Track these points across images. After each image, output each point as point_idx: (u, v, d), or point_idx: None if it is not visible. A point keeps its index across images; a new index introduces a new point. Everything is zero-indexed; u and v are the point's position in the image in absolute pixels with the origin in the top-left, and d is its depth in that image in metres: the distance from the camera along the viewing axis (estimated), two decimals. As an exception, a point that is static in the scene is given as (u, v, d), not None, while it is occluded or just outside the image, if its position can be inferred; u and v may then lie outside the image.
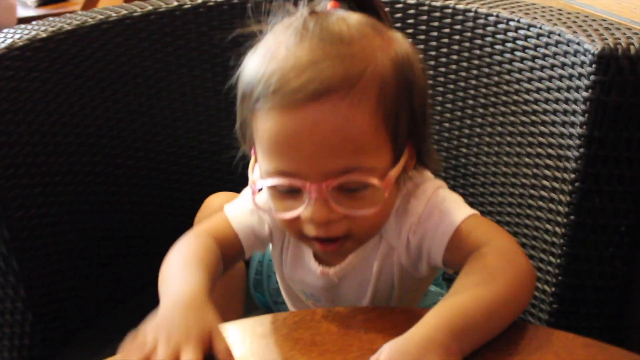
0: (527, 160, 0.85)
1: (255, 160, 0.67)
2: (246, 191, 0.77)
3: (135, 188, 0.97)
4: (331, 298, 0.77)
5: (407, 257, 0.72)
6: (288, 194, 0.64)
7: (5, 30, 0.87)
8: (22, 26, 0.90)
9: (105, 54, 0.93)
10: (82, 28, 0.90)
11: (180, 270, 0.66)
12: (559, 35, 0.78)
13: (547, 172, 0.82)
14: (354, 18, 0.64)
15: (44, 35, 0.86)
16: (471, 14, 0.90)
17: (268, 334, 0.62)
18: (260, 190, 0.68)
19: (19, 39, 0.83)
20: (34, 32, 0.86)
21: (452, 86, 0.94)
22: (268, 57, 0.62)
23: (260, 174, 0.66)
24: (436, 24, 0.93)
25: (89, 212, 0.93)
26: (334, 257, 0.74)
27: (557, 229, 0.81)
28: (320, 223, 0.62)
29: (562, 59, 0.77)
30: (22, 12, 1.46)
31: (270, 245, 0.81)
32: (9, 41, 0.82)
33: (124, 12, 0.94)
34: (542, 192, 0.83)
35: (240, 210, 0.77)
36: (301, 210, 0.62)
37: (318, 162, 0.60)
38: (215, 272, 0.69)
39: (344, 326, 0.61)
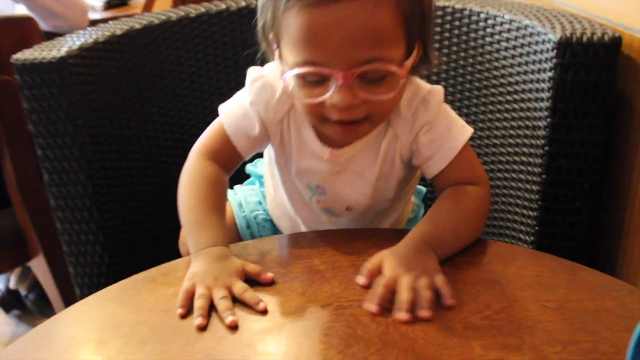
0: (506, 127, 1.01)
1: (280, 56, 0.73)
2: (239, 94, 0.84)
3: (185, 144, 1.15)
4: (335, 189, 0.84)
5: (407, 150, 0.81)
6: (314, 83, 0.70)
7: (89, 28, 1.04)
8: (101, 25, 1.06)
9: (167, 49, 1.08)
10: (149, 27, 1.05)
11: (200, 221, 0.74)
12: (532, 28, 0.94)
13: (523, 139, 0.97)
14: None
15: (119, 32, 1.03)
16: (466, 12, 1.07)
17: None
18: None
19: (100, 35, 1.00)
20: (111, 30, 1.03)
21: (445, 68, 1.11)
22: None
23: (288, 66, 0.71)
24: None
25: (153, 174, 1.09)
26: (341, 140, 0.80)
27: (533, 187, 0.95)
28: (344, 108, 0.69)
29: (533, 46, 0.93)
30: (91, 15, 1.61)
31: (270, 154, 0.87)
32: (93, 36, 0.99)
33: (182, 13, 1.10)
34: (519, 156, 0.98)
35: (233, 115, 0.82)
36: (327, 96, 0.69)
37: (345, 53, 0.66)
38: (224, 210, 0.79)
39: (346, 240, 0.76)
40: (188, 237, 0.74)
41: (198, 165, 0.81)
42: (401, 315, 0.62)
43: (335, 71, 0.67)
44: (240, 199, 1.00)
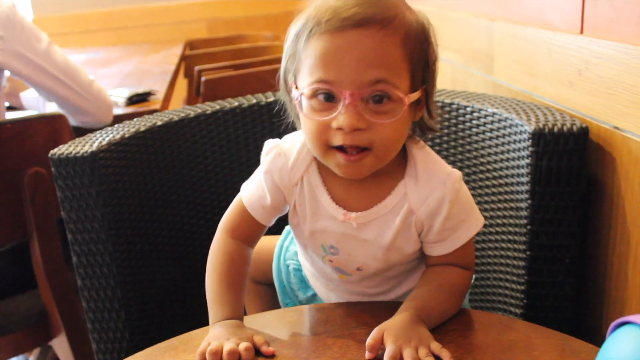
0: (493, 209, 1.11)
1: (297, 88, 0.80)
2: (257, 172, 0.90)
3: (201, 229, 1.25)
4: (347, 250, 0.87)
5: (421, 224, 0.84)
6: (324, 105, 0.77)
7: (116, 125, 1.16)
8: (127, 122, 1.18)
9: (185, 142, 1.19)
10: (170, 123, 1.17)
11: (219, 297, 0.84)
12: (510, 120, 1.05)
13: (508, 219, 1.06)
14: None
15: (143, 128, 1.15)
16: (454, 106, 1.19)
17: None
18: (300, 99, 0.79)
19: (127, 131, 1.12)
20: (136, 126, 1.15)
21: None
22: (320, 3, 0.77)
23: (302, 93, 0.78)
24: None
25: (172, 256, 1.19)
26: (354, 194, 0.84)
27: (519, 262, 1.04)
28: (348, 129, 0.75)
29: (512, 136, 1.04)
30: (114, 111, 1.71)
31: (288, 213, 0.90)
32: (120, 133, 1.11)
33: (199, 110, 1.22)
34: (505, 235, 1.07)
35: (249, 188, 0.90)
36: (334, 116, 0.75)
37: (354, 73, 0.74)
38: (244, 283, 0.87)
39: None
40: (209, 309, 0.84)
41: (220, 243, 0.89)
42: None
43: (343, 90, 0.75)
44: (283, 245, 1.06)
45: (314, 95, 0.77)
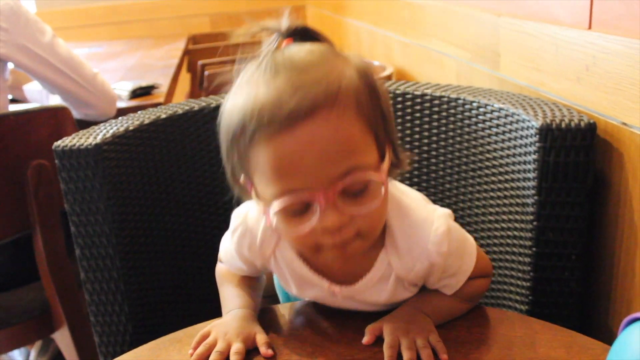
0: (499, 204, 1.11)
1: (257, 195, 0.71)
2: (225, 238, 0.87)
3: (205, 222, 1.26)
4: (346, 305, 0.83)
5: (412, 283, 0.81)
6: (297, 212, 0.67)
7: (120, 118, 1.16)
8: (131, 115, 1.18)
9: (189, 136, 1.19)
10: (174, 116, 1.17)
11: (235, 293, 0.85)
12: (517, 115, 1.05)
13: (514, 215, 1.06)
14: (309, 47, 0.69)
15: (147, 121, 1.14)
16: (460, 101, 1.19)
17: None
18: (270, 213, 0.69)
19: (131, 123, 1.12)
20: (140, 119, 1.15)
21: (443, 152, 1.21)
22: (252, 95, 0.65)
23: (265, 202, 0.69)
24: (426, 107, 1.21)
25: (176, 249, 1.18)
26: (340, 267, 0.78)
27: (525, 259, 1.03)
28: (333, 229, 0.67)
29: (519, 132, 1.04)
30: (118, 104, 1.70)
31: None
32: (124, 125, 1.11)
33: (203, 104, 1.22)
34: (511, 231, 1.07)
35: (226, 252, 0.87)
36: (314, 222, 0.66)
37: (321, 171, 0.64)
38: (259, 285, 0.89)
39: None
40: (223, 308, 0.84)
41: (224, 270, 0.90)
42: None
43: (315, 193, 0.65)
44: None
45: (285, 210, 0.67)
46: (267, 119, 0.64)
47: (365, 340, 0.75)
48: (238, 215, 0.83)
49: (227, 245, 0.87)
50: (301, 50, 0.69)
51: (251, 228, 0.81)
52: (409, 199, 0.79)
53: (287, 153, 0.65)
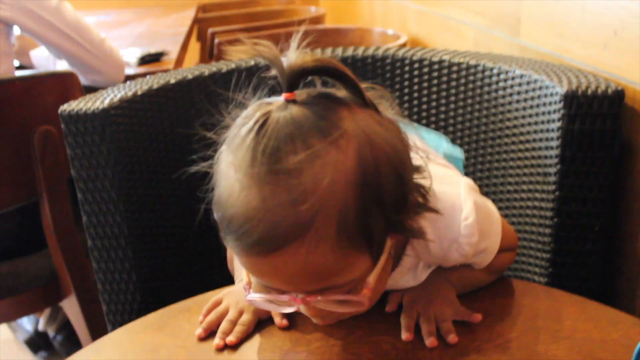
0: (519, 174, 1.07)
1: None
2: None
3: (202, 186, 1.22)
4: None
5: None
6: (276, 296, 0.63)
7: (128, 82, 1.13)
8: (140, 79, 1.14)
9: (200, 101, 1.14)
10: (184, 81, 1.14)
11: None
12: (541, 81, 1.01)
13: (535, 185, 1.02)
14: (304, 129, 0.57)
15: (156, 86, 1.11)
16: (480, 68, 1.14)
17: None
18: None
19: (139, 88, 1.08)
20: (149, 84, 1.11)
21: (461, 120, 1.17)
22: (227, 192, 0.60)
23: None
24: (444, 74, 1.17)
25: (185, 217, 1.15)
26: None
27: (545, 230, 1.00)
28: (312, 316, 0.65)
29: (542, 99, 1.00)
30: (126, 70, 1.67)
31: None
32: (133, 90, 1.07)
33: (214, 69, 1.18)
34: (532, 201, 1.03)
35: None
36: (292, 309, 0.64)
37: (294, 287, 0.60)
38: None
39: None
40: (235, 278, 0.81)
41: None
42: (429, 342, 0.67)
43: (292, 297, 0.60)
44: None
45: (267, 292, 0.64)
46: (235, 236, 0.58)
47: (388, 307, 0.73)
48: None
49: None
50: (287, 139, 0.56)
51: None
52: (435, 183, 0.69)
53: (256, 268, 0.60)
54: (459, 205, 0.71)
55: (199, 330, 0.71)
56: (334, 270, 0.58)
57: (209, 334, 0.72)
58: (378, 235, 0.59)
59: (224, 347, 0.70)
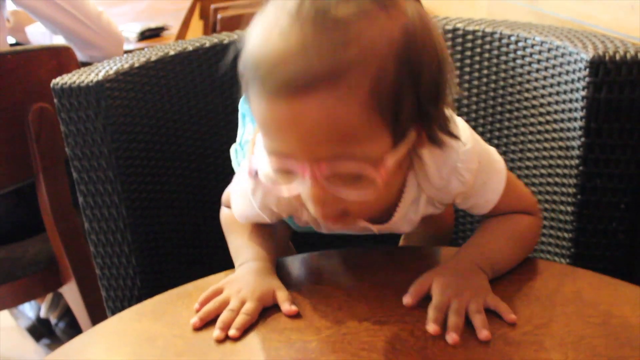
0: (539, 149, 1.01)
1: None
2: (237, 192, 0.79)
3: (218, 168, 1.16)
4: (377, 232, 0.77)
5: (442, 202, 0.76)
6: (284, 175, 0.62)
7: (126, 55, 1.06)
8: (137, 51, 1.09)
9: (200, 74, 1.09)
10: (183, 53, 1.08)
11: (247, 244, 0.76)
12: (563, 48, 0.94)
13: (556, 160, 0.96)
14: None
15: (154, 58, 1.05)
16: (497, 35, 1.08)
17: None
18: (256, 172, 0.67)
19: (136, 60, 1.03)
20: (147, 56, 1.05)
21: (476, 92, 1.11)
22: (261, 38, 0.57)
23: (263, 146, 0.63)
24: (458, 43, 1.11)
25: (186, 196, 1.10)
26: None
27: (568, 208, 0.94)
28: (316, 202, 0.60)
29: (565, 66, 0.93)
30: (125, 46, 1.64)
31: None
32: (129, 62, 1.01)
33: (215, 40, 1.12)
34: (552, 177, 0.98)
35: (241, 209, 0.79)
36: (297, 188, 0.61)
37: (307, 148, 0.57)
38: (273, 232, 0.80)
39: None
40: (235, 260, 0.76)
41: (229, 215, 0.81)
42: (450, 338, 0.61)
43: (300, 164, 0.58)
44: None
45: (274, 171, 0.63)
46: (261, 75, 0.56)
47: (406, 301, 0.66)
48: (252, 173, 0.72)
49: (244, 199, 0.77)
50: None
51: (274, 182, 0.69)
52: None
53: (273, 119, 0.57)
54: (456, 144, 0.69)
55: (194, 319, 0.65)
56: (355, 134, 0.56)
57: (205, 324, 0.66)
58: (405, 115, 0.58)
59: (225, 339, 0.63)
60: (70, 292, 1.40)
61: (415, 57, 0.57)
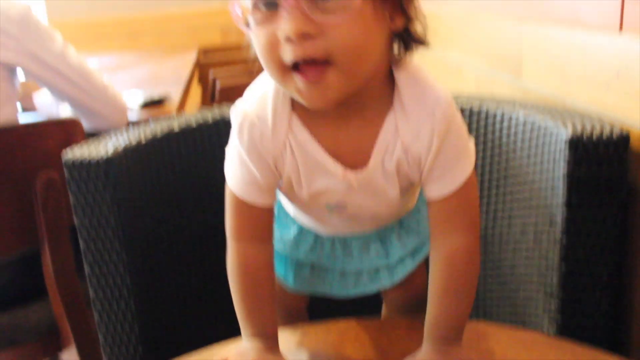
0: (525, 220, 1.06)
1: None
2: (232, 148, 0.78)
3: (219, 238, 1.21)
4: (357, 203, 0.79)
5: (419, 163, 0.75)
6: (266, 14, 0.66)
7: (132, 128, 1.12)
8: (143, 125, 1.13)
9: (203, 148, 1.15)
10: (188, 129, 1.14)
11: (246, 313, 0.77)
12: (545, 126, 1.00)
13: (541, 232, 1.01)
14: None
15: (160, 133, 1.10)
16: (484, 113, 1.14)
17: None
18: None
19: (143, 135, 1.08)
20: (153, 131, 1.10)
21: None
22: None
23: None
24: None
25: (189, 267, 1.15)
26: (343, 139, 0.74)
27: (554, 278, 0.98)
28: (295, 36, 0.63)
29: (547, 143, 0.99)
30: (129, 115, 1.68)
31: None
32: (137, 137, 1.07)
33: (217, 116, 1.17)
34: (538, 248, 1.02)
35: (236, 175, 0.78)
36: (279, 25, 0.64)
37: None
38: (269, 291, 0.79)
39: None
40: (241, 326, 0.78)
41: (231, 255, 0.81)
42: None
43: None
44: None
45: (255, 6, 0.66)
46: None
47: None
48: (239, 114, 0.76)
49: (234, 158, 0.78)
50: None
51: (258, 115, 0.74)
52: (427, 74, 0.75)
53: None
54: (440, 87, 0.74)
55: None
56: None
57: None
58: None
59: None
60: (70, 358, 1.42)
61: None
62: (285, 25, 0.63)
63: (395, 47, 0.74)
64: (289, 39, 0.64)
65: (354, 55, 0.66)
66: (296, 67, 0.65)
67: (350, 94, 0.68)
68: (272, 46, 0.66)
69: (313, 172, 0.76)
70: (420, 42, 0.73)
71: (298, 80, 0.66)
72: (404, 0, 0.69)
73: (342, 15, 0.63)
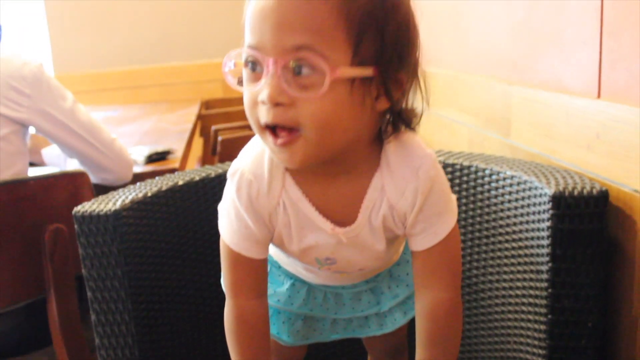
0: (513, 272, 1.10)
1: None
2: (227, 204, 0.83)
3: (221, 289, 1.25)
4: (346, 258, 0.83)
5: (404, 217, 0.80)
6: (252, 75, 0.71)
7: (139, 183, 1.18)
8: (149, 180, 1.19)
9: (206, 202, 1.20)
10: (191, 183, 1.19)
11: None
12: (530, 183, 1.06)
13: (528, 282, 1.06)
14: None
15: (165, 188, 1.16)
16: (473, 169, 1.20)
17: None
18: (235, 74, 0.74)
19: (149, 189, 1.14)
20: (158, 185, 1.16)
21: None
22: None
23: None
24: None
25: (192, 316, 1.18)
26: (332, 197, 0.78)
27: (540, 327, 1.02)
28: (269, 102, 0.68)
29: (532, 199, 1.05)
30: (134, 168, 1.73)
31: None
32: (143, 191, 1.13)
33: (219, 171, 1.23)
34: (526, 298, 1.06)
35: (231, 230, 0.82)
36: (259, 85, 0.69)
37: (275, 37, 0.67)
38: (264, 345, 0.84)
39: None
40: None
41: (231, 309, 0.84)
42: None
43: (267, 58, 0.68)
44: None
45: (245, 64, 0.71)
46: None
47: None
48: (236, 172, 0.81)
49: (229, 211, 0.82)
50: None
51: (256, 174, 0.79)
52: (413, 135, 0.80)
53: (259, 9, 0.68)
54: (425, 148, 0.78)
55: None
56: (320, 30, 0.66)
57: None
58: (366, 46, 0.68)
59: None
60: (73, 405, 1.44)
61: (388, 3, 0.69)
62: (262, 89, 0.69)
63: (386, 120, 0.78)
64: (264, 103, 0.70)
65: (321, 129, 0.70)
66: (271, 128, 0.71)
67: (324, 160, 0.74)
68: (254, 105, 0.72)
69: (304, 227, 0.81)
70: (407, 124, 0.77)
71: (269, 139, 0.72)
72: (392, 85, 0.72)
73: (314, 92, 0.67)
